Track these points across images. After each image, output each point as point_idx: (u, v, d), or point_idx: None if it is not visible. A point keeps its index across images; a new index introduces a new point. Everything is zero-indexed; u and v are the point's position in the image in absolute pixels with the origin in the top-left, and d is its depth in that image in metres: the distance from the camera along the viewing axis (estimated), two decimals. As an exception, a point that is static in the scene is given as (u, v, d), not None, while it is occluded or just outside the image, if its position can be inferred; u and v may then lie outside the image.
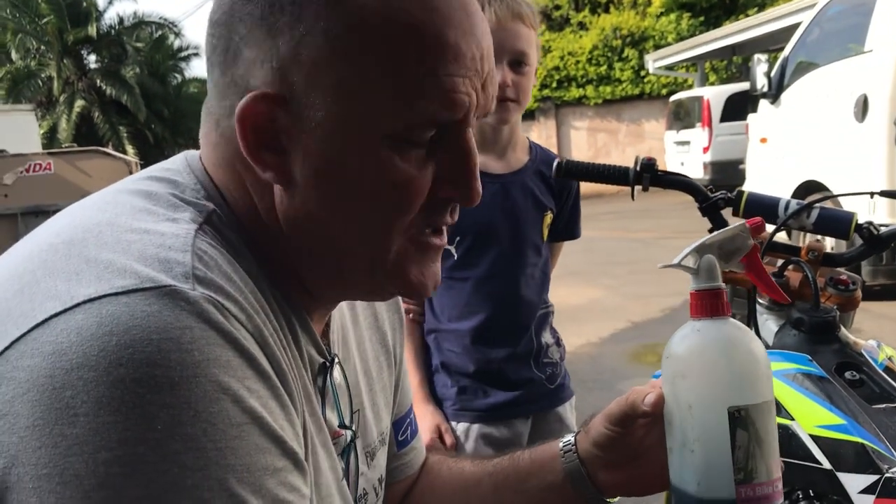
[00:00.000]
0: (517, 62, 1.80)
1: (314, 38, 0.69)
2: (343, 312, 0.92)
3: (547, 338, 2.01)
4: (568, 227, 2.05)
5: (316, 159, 0.71)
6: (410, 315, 1.95)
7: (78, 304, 0.61)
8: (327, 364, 0.83)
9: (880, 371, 1.37)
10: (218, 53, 0.73)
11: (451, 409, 1.94)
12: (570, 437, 0.98)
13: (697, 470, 0.76)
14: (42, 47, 26.32)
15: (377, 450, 0.95)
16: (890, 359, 1.43)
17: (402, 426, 1.06)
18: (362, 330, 0.97)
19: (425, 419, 1.91)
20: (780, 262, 1.55)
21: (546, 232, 1.98)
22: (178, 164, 0.79)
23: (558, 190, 1.98)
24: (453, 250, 1.87)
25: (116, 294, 0.61)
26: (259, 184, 0.74)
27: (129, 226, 0.69)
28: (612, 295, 7.00)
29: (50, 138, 24.29)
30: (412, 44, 0.69)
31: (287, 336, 0.75)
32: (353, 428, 0.88)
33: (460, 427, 1.93)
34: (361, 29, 0.69)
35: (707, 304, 0.78)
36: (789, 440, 1.30)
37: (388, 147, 0.71)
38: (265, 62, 0.70)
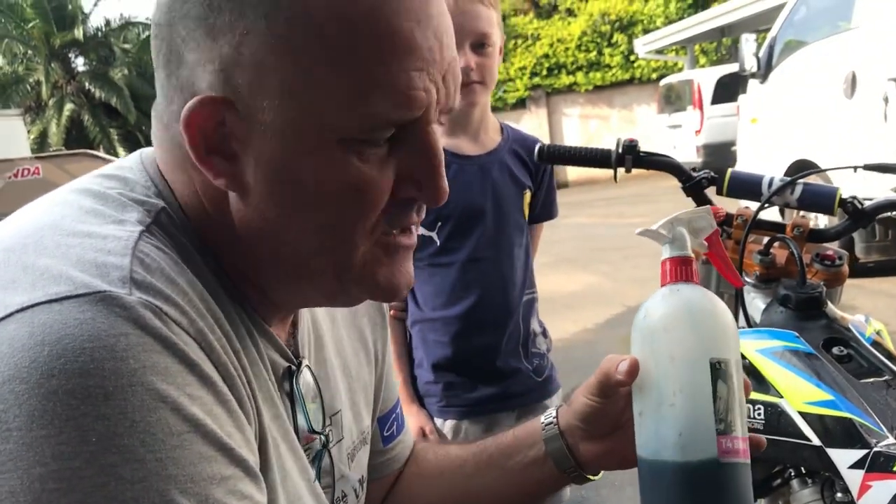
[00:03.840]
0: (479, 44, 1.78)
1: (255, 36, 0.65)
2: (315, 312, 0.90)
3: (535, 325, 1.98)
4: (545, 207, 2.02)
5: (268, 164, 0.68)
6: (392, 311, 1.92)
7: (11, 314, 0.59)
8: (293, 368, 0.80)
9: (868, 345, 1.36)
10: (162, 56, 0.70)
11: (436, 406, 1.91)
12: (551, 411, 0.97)
13: (678, 423, 0.76)
14: (29, 52, 26.20)
15: (358, 450, 0.93)
16: (878, 333, 1.43)
17: (387, 422, 1.04)
18: (340, 328, 0.94)
19: (409, 420, 1.90)
20: (765, 239, 1.54)
21: (526, 211, 1.96)
22: (131, 161, 0.77)
23: (534, 169, 1.96)
24: (435, 236, 1.85)
25: (49, 301, 0.59)
26: (211, 189, 0.71)
27: (71, 229, 0.66)
28: (608, 280, 6.99)
29: (41, 143, 24.20)
30: (362, 38, 0.65)
31: (243, 341, 0.72)
32: (328, 431, 0.86)
33: (447, 424, 1.91)
34: (305, 25, 0.65)
35: (682, 270, 0.81)
36: (778, 418, 1.29)
37: (344, 149, 0.67)
38: (208, 64, 0.67)
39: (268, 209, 0.70)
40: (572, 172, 16.91)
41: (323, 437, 0.85)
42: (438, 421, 1.92)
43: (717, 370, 0.76)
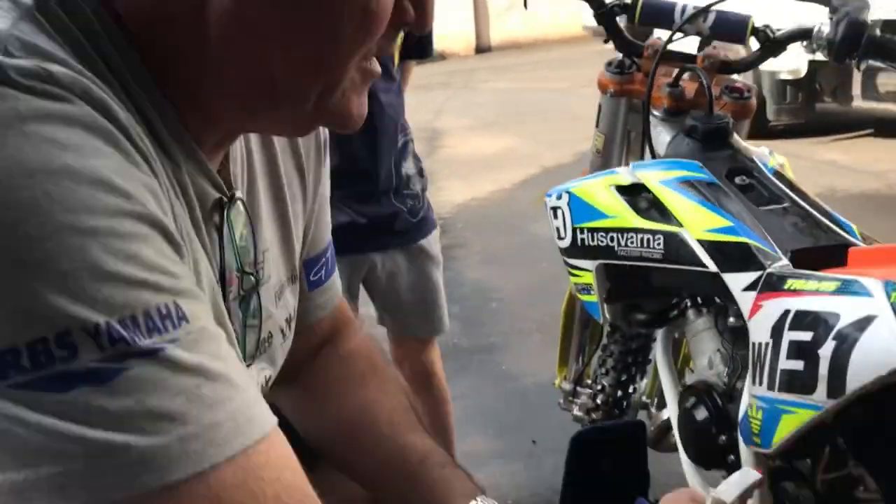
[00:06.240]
0: None
1: None
2: (248, 135, 0.79)
3: (409, 168, 1.96)
4: (420, 43, 1.97)
5: None
6: None
7: None
8: (224, 200, 0.71)
9: (770, 175, 1.36)
10: None
11: None
12: None
13: None
14: None
15: (285, 288, 0.86)
16: (781, 165, 1.42)
17: (315, 266, 0.96)
18: (276, 150, 0.84)
19: None
20: (675, 70, 1.50)
21: (397, 53, 1.88)
22: None
23: None
24: None
25: None
26: None
27: None
28: (526, 143, 6.98)
29: None
30: None
31: (174, 157, 0.64)
32: (258, 269, 0.78)
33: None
34: None
35: None
36: (677, 247, 1.29)
37: None
38: None
39: (266, 27, 0.61)
40: (495, 37, 16.60)
41: (253, 279, 0.77)
42: None
43: None
